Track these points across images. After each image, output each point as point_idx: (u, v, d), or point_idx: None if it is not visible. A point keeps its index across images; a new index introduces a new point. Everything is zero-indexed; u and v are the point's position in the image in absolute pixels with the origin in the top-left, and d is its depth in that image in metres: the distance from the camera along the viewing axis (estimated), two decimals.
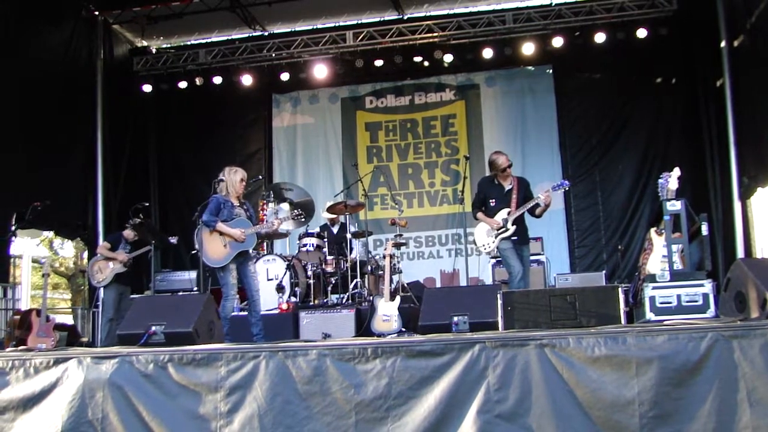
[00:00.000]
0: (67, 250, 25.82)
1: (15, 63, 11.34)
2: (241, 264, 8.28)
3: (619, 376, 4.69)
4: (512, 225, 8.63)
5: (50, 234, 16.46)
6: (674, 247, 6.65)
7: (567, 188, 8.98)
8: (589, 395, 4.71)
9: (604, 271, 11.29)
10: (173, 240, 10.99)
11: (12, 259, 11.79)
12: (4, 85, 11.01)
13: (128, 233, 10.80)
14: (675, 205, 6.39)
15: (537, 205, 8.64)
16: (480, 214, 8.88)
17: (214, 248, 8.16)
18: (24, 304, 12.22)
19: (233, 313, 8.42)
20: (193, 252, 8.18)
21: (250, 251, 8.49)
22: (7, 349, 7.78)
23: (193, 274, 11.36)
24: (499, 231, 8.64)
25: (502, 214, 8.68)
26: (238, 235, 8.10)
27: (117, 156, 13.88)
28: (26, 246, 14.81)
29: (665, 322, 5.46)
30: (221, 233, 8.13)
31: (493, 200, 8.83)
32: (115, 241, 10.90)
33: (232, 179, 8.33)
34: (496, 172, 8.88)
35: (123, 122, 14.13)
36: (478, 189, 9.11)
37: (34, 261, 18.50)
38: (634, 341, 4.73)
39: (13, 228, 10.61)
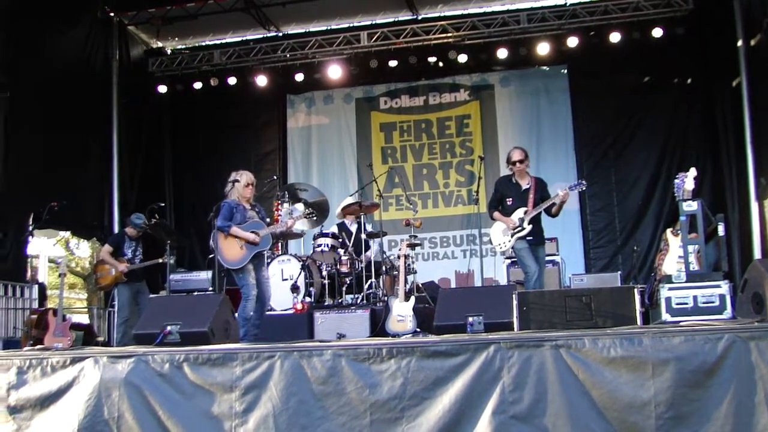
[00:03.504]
0: (83, 250, 25.96)
1: (32, 63, 11.42)
2: (257, 267, 8.35)
3: (635, 377, 4.67)
4: (528, 224, 8.63)
5: (66, 234, 16.56)
6: (690, 248, 6.63)
7: (584, 188, 8.94)
8: (605, 396, 4.70)
9: (619, 272, 11.22)
10: (169, 260, 10.91)
11: (29, 259, 11.84)
12: (21, 85, 11.07)
13: (131, 231, 10.80)
14: (691, 206, 6.37)
15: (553, 204, 8.63)
16: (496, 214, 8.88)
17: (230, 251, 8.23)
18: (41, 304, 12.28)
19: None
20: (210, 256, 8.23)
21: (265, 253, 8.55)
22: (25, 349, 7.84)
23: (208, 274, 11.36)
24: (515, 230, 8.63)
25: (519, 213, 8.68)
26: (252, 238, 8.21)
27: (132, 156, 13.93)
28: (43, 246, 14.91)
29: (681, 324, 5.44)
30: (236, 236, 8.21)
31: (510, 199, 8.83)
32: (117, 241, 10.87)
33: (237, 185, 8.40)
34: (510, 166, 8.92)
35: (138, 123, 14.19)
36: (496, 188, 9.12)
37: (51, 261, 18.63)
38: (650, 342, 4.71)
39: (30, 228, 10.66)
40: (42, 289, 12.07)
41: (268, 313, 9.45)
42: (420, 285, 10.15)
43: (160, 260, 10.67)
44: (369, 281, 10.12)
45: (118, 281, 10.64)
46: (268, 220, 8.89)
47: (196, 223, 14.07)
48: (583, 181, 8.92)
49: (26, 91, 11.16)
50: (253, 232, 8.25)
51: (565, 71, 14.05)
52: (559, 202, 8.58)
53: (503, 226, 8.78)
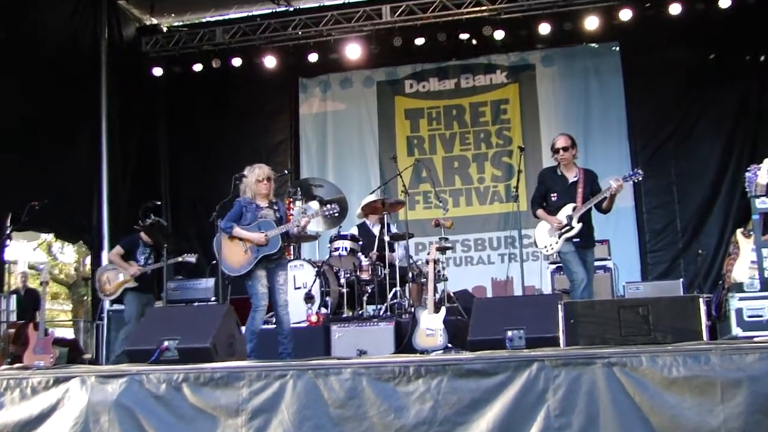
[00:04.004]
0: (68, 254, 26.15)
1: (11, 44, 11.44)
2: (271, 271, 8.32)
3: (701, 401, 4.61)
4: (578, 222, 8.56)
5: (49, 237, 16.68)
6: (765, 252, 6.54)
7: (640, 179, 8.82)
8: (667, 423, 4.65)
9: (681, 279, 11.14)
10: (191, 258, 10.97)
11: (6, 266, 11.90)
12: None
13: (146, 236, 10.86)
14: (765, 203, 6.30)
15: (604, 197, 8.54)
16: (540, 212, 8.81)
17: (234, 255, 8.24)
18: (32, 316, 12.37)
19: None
20: (214, 262, 8.22)
21: (283, 257, 8.51)
22: (1, 368, 7.87)
23: (210, 282, 11.39)
24: (563, 230, 8.56)
25: (567, 210, 8.61)
26: (257, 238, 8.17)
27: (124, 149, 13.97)
28: (22, 250, 15.01)
29: (755, 339, 5.38)
30: (241, 239, 8.20)
31: (555, 194, 8.76)
32: (131, 245, 10.93)
33: (248, 180, 8.38)
34: (556, 156, 8.85)
35: (131, 110, 14.23)
36: (539, 181, 9.05)
37: (31, 267, 18.76)
38: (718, 361, 4.65)
39: (8, 230, 10.71)
40: (35, 298, 12.13)
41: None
42: (451, 294, 10.14)
43: (180, 258, 10.75)
44: (393, 290, 10.09)
45: (126, 286, 10.70)
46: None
47: (197, 223, 14.07)
48: (640, 171, 8.77)
49: (4, 75, 11.21)
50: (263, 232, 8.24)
51: (617, 48, 13.98)
52: (612, 192, 8.49)
53: (549, 226, 8.72)
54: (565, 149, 8.79)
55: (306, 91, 15.29)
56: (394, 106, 14.85)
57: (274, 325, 8.55)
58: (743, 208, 11.05)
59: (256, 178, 8.36)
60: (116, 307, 11.49)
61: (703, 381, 4.64)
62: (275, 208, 8.50)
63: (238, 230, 8.21)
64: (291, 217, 10.50)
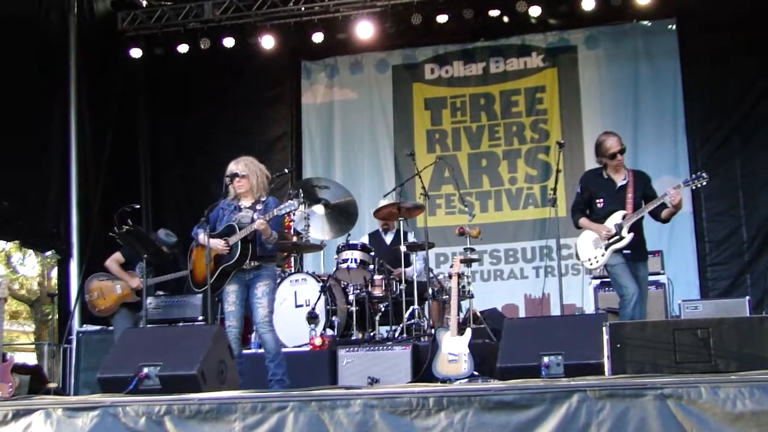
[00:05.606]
0: (30, 266, 26.13)
1: None
2: (249, 284, 8.33)
3: None
4: (628, 232, 8.55)
5: (8, 246, 16.66)
6: None
7: (704, 183, 8.75)
8: None
9: (747, 298, 11.07)
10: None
11: None
12: None
13: None
14: None
15: (663, 205, 8.53)
16: (583, 220, 8.83)
17: (200, 267, 8.29)
18: None
19: (250, 351, 8.48)
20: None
21: (265, 266, 8.43)
22: None
23: (197, 300, 11.42)
24: (611, 240, 8.56)
25: (615, 218, 8.61)
26: (215, 245, 8.16)
27: (97, 143, 13.93)
28: None
29: None
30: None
31: (602, 200, 8.77)
32: (131, 254, 10.98)
33: (227, 180, 8.38)
34: (605, 159, 8.82)
35: (104, 98, 14.16)
36: (581, 185, 9.07)
37: None
38: None
39: None
40: None
41: None
42: (478, 313, 10.16)
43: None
44: (410, 308, 10.13)
45: (125, 301, 10.76)
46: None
47: (182, 230, 14.04)
48: (704, 174, 8.70)
49: None
50: (224, 239, 8.25)
51: (674, 27, 13.95)
52: (670, 204, 8.45)
53: (594, 236, 8.72)
54: (622, 152, 8.76)
55: (309, 76, 15.32)
56: (412, 94, 14.88)
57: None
58: None
59: (228, 173, 8.36)
60: (87, 327, 11.54)
61: None
62: (257, 208, 8.36)
63: (202, 237, 8.24)
64: (291, 224, 10.57)
